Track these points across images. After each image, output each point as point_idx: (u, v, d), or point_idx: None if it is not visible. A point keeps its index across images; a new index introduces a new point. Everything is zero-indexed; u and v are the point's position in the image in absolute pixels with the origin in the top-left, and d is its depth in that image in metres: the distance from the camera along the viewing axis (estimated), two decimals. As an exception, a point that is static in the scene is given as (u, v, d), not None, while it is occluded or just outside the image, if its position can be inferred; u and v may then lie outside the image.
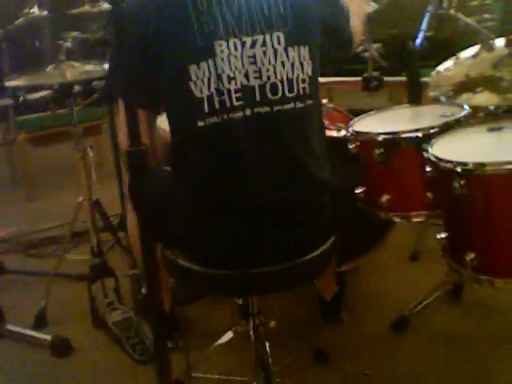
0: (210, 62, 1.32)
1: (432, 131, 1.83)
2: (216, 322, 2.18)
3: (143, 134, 1.37)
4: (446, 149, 1.70)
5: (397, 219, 1.99)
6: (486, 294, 2.19)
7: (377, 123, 2.05)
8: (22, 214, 3.47)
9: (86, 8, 2.30)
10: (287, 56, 1.36)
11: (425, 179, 1.82)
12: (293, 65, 1.37)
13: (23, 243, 2.98)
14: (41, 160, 4.07)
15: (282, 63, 1.36)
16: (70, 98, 1.96)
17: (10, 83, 1.95)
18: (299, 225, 1.43)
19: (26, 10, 1.98)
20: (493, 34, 2.21)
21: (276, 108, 1.36)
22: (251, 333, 1.71)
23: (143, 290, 2.24)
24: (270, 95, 1.36)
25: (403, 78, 2.74)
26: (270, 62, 1.35)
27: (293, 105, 1.38)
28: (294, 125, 1.41)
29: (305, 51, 1.39)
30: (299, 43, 1.38)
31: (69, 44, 1.92)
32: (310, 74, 1.40)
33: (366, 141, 1.93)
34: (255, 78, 1.34)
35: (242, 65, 1.33)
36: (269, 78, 1.35)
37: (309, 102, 1.41)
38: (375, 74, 2.40)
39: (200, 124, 1.34)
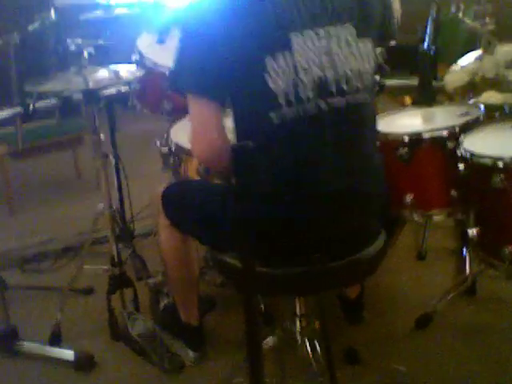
0: (286, 53, 1.32)
1: (457, 130, 1.89)
2: (233, 331, 2.16)
3: (216, 130, 1.38)
4: (477, 145, 1.76)
5: (419, 218, 2.03)
6: (498, 289, 2.27)
7: (396, 124, 2.10)
8: (5, 229, 3.33)
9: (99, 13, 2.25)
10: (356, 48, 1.38)
11: (449, 177, 1.89)
12: (361, 57, 1.39)
13: (17, 258, 2.86)
14: (21, 173, 3.93)
15: (353, 55, 1.38)
16: (92, 105, 1.92)
17: (33, 88, 1.88)
18: (364, 216, 1.46)
19: (42, 14, 1.92)
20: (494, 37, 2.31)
21: (348, 99, 1.38)
22: (298, 334, 1.71)
23: (162, 301, 2.22)
24: (343, 87, 1.37)
25: (402, 81, 2.85)
26: (342, 54, 1.36)
27: (361, 96, 1.40)
28: (362, 116, 1.44)
29: (368, 44, 1.42)
30: (364, 36, 1.40)
31: (92, 50, 1.87)
32: (372, 66, 1.43)
33: (389, 141, 1.97)
34: (329, 69, 1.35)
35: (317, 56, 1.34)
36: (341, 69, 1.36)
37: (370, 94, 1.44)
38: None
39: (272, 115, 1.33)
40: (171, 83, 1.47)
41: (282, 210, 1.40)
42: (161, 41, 2.20)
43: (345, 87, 1.37)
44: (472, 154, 1.71)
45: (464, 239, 2.45)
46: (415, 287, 2.39)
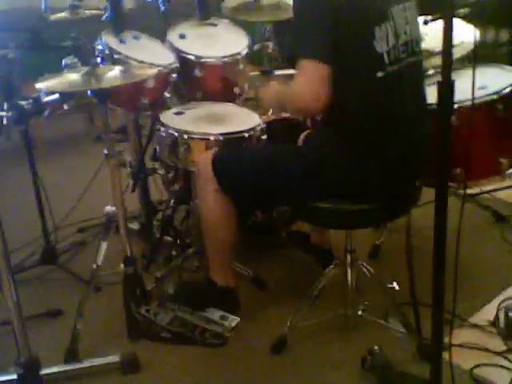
0: (387, 23, 1.70)
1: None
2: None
3: (325, 89, 1.68)
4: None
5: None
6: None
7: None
8: None
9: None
10: (415, 19, 1.81)
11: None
12: (416, 26, 1.83)
13: None
14: None
15: (415, 24, 1.81)
16: (105, 103, 1.91)
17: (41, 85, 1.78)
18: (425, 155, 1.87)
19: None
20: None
21: (416, 59, 1.81)
22: (348, 269, 2.05)
23: (170, 287, 2.31)
24: (415, 49, 1.79)
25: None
26: (413, 23, 1.78)
27: (421, 56, 1.86)
28: (422, 72, 1.90)
29: (417, 15, 1.85)
30: (416, 9, 1.83)
31: (100, 47, 1.81)
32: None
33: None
34: (408, 34, 1.76)
35: (403, 25, 1.74)
36: (412, 34, 1.78)
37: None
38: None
39: (380, 74, 1.70)
40: (295, 48, 1.69)
41: (377, 156, 1.76)
42: (123, 41, 2.25)
43: (416, 49, 1.81)
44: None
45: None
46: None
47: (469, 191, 2.70)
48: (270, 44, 2.92)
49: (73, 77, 1.88)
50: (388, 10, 1.72)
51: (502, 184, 2.77)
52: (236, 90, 2.47)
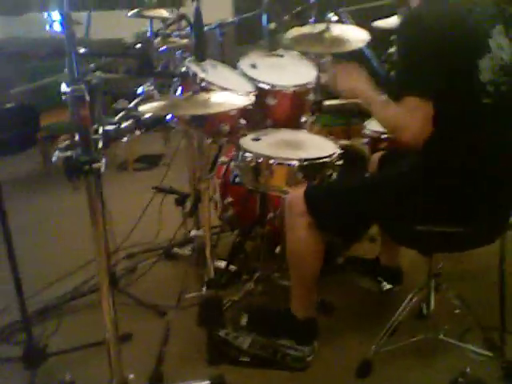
0: (488, 54, 1.78)
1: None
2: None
3: (430, 128, 1.73)
4: None
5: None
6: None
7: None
8: None
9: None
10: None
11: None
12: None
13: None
14: None
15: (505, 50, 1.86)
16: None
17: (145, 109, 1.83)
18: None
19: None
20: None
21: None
22: (432, 293, 2.09)
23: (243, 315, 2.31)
24: (509, 73, 1.85)
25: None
26: (503, 48, 1.84)
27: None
28: None
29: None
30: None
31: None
32: None
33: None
34: (503, 60, 1.82)
35: (498, 53, 1.81)
36: (506, 60, 1.83)
37: None
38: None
39: (485, 101, 1.77)
40: (404, 86, 1.76)
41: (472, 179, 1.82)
42: (204, 69, 2.30)
43: (509, 74, 1.86)
44: None
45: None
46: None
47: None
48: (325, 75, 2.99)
49: (171, 102, 1.93)
50: (487, 41, 1.79)
51: None
52: (303, 118, 2.53)
